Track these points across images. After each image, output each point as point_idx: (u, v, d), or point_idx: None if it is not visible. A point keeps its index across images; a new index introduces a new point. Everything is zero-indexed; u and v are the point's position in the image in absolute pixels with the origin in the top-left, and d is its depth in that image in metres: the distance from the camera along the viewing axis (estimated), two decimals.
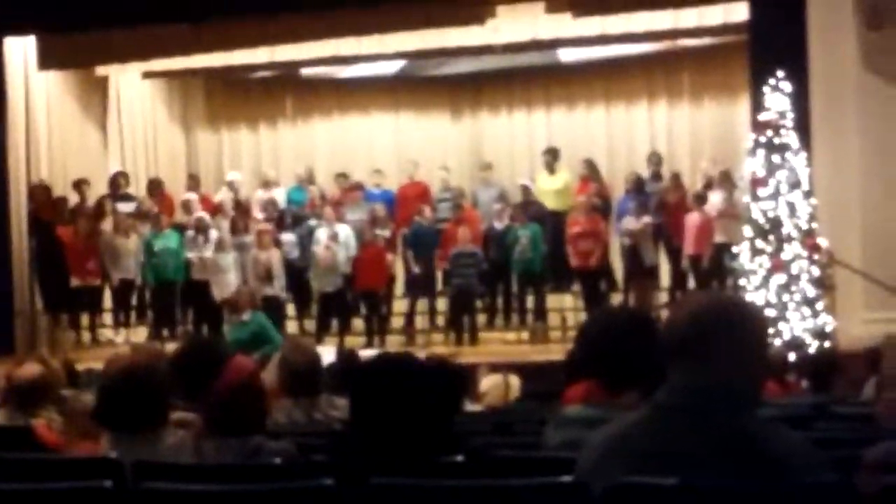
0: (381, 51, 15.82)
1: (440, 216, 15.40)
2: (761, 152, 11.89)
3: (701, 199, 14.12)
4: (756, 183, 11.93)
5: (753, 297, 11.51)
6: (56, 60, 15.13)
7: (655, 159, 15.55)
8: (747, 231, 11.90)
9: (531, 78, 17.65)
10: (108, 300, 15.31)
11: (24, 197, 15.17)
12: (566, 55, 16.79)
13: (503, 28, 14.94)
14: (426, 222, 14.99)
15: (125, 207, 15.29)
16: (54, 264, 14.70)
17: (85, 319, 15.17)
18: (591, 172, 15.45)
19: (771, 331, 11.27)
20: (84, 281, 14.68)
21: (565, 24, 14.94)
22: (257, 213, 15.42)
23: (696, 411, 2.83)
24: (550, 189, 15.57)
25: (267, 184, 16.15)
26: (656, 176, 15.21)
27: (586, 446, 3.05)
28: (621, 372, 3.71)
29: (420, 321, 15.07)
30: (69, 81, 16.39)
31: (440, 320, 15.01)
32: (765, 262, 11.64)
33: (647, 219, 14.22)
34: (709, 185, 14.47)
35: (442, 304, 15.04)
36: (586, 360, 3.93)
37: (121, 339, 14.53)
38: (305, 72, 17.64)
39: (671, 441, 2.83)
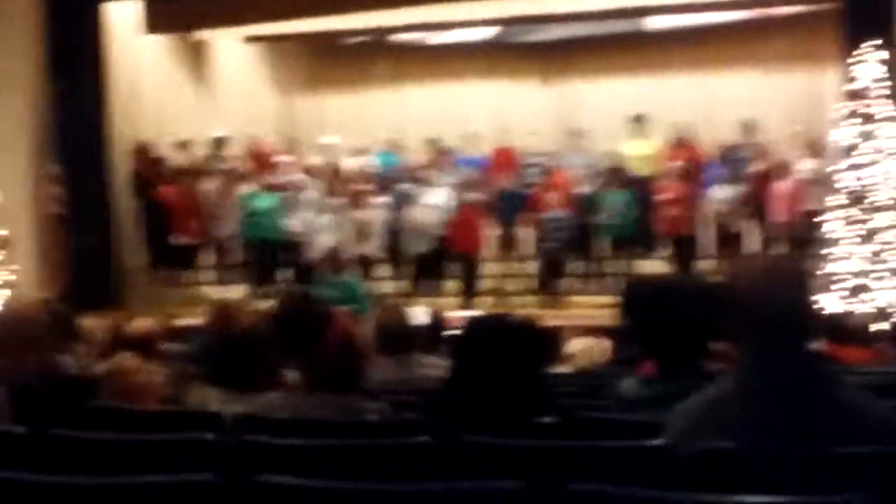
0: (473, 17, 15.93)
1: (528, 181, 15.52)
2: (852, 121, 11.87)
3: (790, 166, 14.07)
4: (846, 151, 11.92)
5: (842, 265, 11.55)
6: (160, 25, 15.43)
7: (747, 127, 15.41)
8: (837, 199, 11.92)
9: (620, 45, 17.59)
10: (207, 258, 15.66)
11: (127, 157, 15.51)
12: (654, 23, 16.78)
13: None
14: (511, 187, 15.14)
15: (224, 168, 15.58)
16: (155, 223, 14.99)
17: (185, 277, 15.55)
18: (683, 137, 15.45)
19: (861, 298, 11.33)
20: (186, 239, 15.01)
21: None
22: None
23: (786, 380, 2.87)
24: (638, 155, 15.57)
25: (357, 152, 16.32)
26: (746, 143, 15.13)
27: (675, 412, 3.11)
28: (672, 348, 3.80)
29: (510, 284, 15.27)
30: (172, 45, 16.72)
31: (530, 283, 15.22)
32: (854, 230, 11.66)
33: (738, 187, 14.20)
34: (796, 153, 14.40)
35: (531, 267, 15.24)
36: (635, 335, 4.02)
37: (219, 297, 14.86)
38: (399, 38, 17.81)
39: (761, 409, 2.88)
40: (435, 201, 14.65)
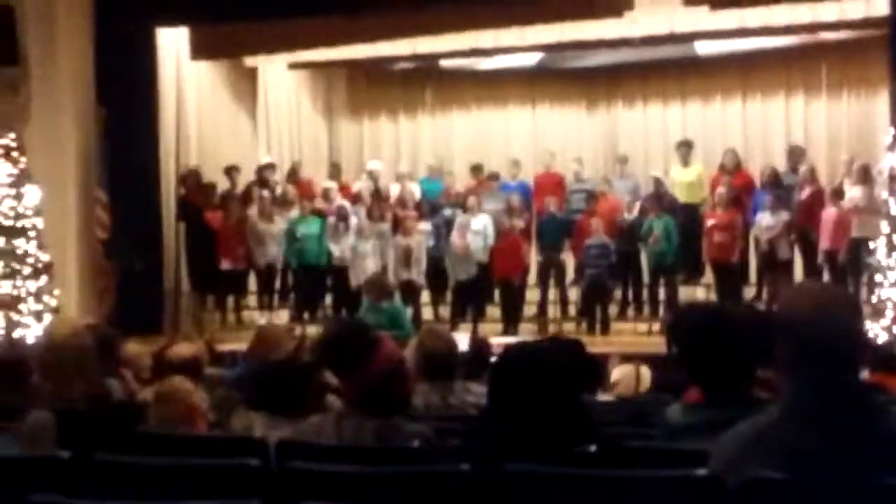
0: (519, 43, 15.98)
1: (573, 207, 15.46)
2: None
3: (838, 193, 13.96)
4: (895, 178, 11.82)
5: (889, 293, 11.44)
6: (207, 51, 15.54)
7: (796, 153, 15.32)
8: (885, 227, 11.79)
9: (667, 70, 17.58)
10: (252, 283, 15.70)
11: (174, 182, 15.65)
12: (703, 48, 16.70)
13: (641, 21, 14.94)
14: (557, 213, 15.14)
15: (270, 194, 15.62)
16: (202, 247, 15.11)
17: (230, 301, 15.59)
18: (730, 164, 15.37)
19: None
20: (233, 264, 15.08)
21: (703, 17, 14.89)
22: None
23: (835, 409, 2.84)
24: (683, 181, 15.47)
25: (400, 178, 16.37)
26: (794, 170, 14.98)
27: (721, 441, 3.06)
28: (719, 375, 3.76)
29: (552, 310, 15.23)
30: (220, 71, 16.90)
31: (572, 310, 15.16)
32: None
33: (784, 215, 14.10)
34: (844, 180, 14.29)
35: (574, 293, 15.19)
36: (682, 361, 3.94)
37: (264, 322, 14.90)
38: (445, 63, 17.86)
39: (809, 438, 2.83)
40: (478, 227, 14.64)
